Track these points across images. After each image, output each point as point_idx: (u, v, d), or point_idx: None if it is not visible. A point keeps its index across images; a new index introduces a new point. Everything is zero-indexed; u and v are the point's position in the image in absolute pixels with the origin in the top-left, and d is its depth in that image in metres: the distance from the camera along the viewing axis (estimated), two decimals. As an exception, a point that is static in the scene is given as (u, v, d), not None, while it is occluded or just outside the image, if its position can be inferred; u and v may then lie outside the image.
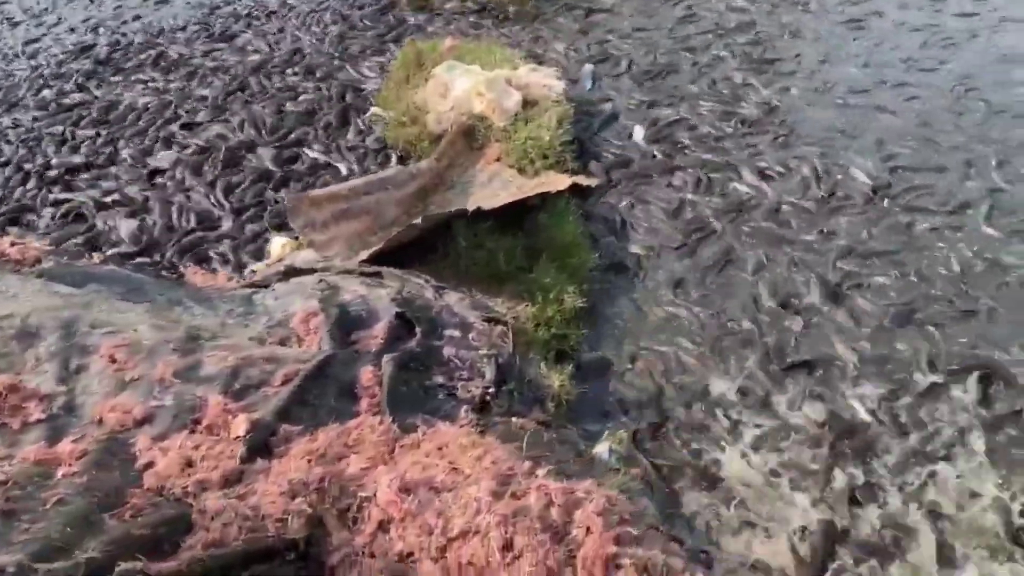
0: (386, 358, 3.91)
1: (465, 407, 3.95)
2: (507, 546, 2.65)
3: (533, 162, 6.73)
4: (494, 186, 6.59)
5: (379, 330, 4.32)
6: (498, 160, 6.90)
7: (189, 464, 3.02)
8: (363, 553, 2.68)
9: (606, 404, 5.03)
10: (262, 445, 3.15)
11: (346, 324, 4.38)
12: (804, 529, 4.16)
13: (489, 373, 4.61)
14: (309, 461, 2.99)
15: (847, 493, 4.30)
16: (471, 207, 5.42)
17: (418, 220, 5.00)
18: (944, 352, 5.00)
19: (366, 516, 2.79)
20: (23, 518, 2.67)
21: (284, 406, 3.40)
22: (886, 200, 6.27)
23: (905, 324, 5.23)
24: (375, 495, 2.85)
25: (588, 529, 2.77)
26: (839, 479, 4.38)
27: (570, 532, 2.78)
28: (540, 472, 3.09)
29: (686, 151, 7.06)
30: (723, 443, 4.67)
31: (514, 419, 4.33)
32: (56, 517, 2.65)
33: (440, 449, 3.17)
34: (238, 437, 3.12)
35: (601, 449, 4.79)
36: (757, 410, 4.82)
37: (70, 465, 2.99)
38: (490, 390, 4.44)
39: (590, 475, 4.32)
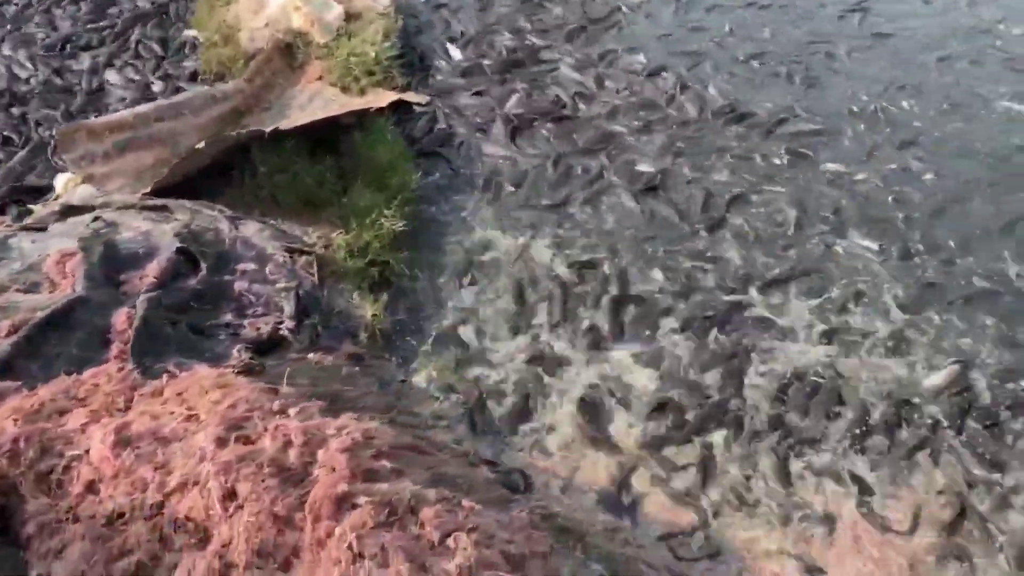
0: (140, 298, 3.50)
1: (239, 347, 3.59)
2: (229, 495, 2.36)
3: (358, 80, 6.26)
4: (315, 106, 6.10)
5: (151, 269, 3.89)
6: (320, 79, 6.39)
7: None
8: (67, 519, 2.36)
9: (427, 331, 4.77)
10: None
11: (115, 264, 3.93)
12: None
13: (288, 307, 4.27)
14: (15, 420, 2.60)
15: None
16: (268, 128, 4.95)
17: (202, 145, 4.51)
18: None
19: (74, 477, 2.45)
20: None
21: (5, 359, 2.97)
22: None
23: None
24: (87, 452, 2.50)
25: (333, 469, 2.51)
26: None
27: (312, 474, 2.51)
28: (292, 411, 2.79)
29: (514, 65, 6.76)
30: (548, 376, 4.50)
31: (311, 355, 4.04)
32: None
33: (180, 395, 2.83)
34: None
35: (419, 379, 4.58)
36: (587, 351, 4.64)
37: None
38: (283, 325, 4.12)
39: (399, 407, 4.20)
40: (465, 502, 2.73)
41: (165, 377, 3.00)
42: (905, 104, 6.29)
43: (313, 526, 2.30)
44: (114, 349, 3.24)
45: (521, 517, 2.85)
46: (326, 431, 2.66)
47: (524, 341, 4.64)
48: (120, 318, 3.40)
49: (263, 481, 2.39)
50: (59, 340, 3.22)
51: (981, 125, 6.11)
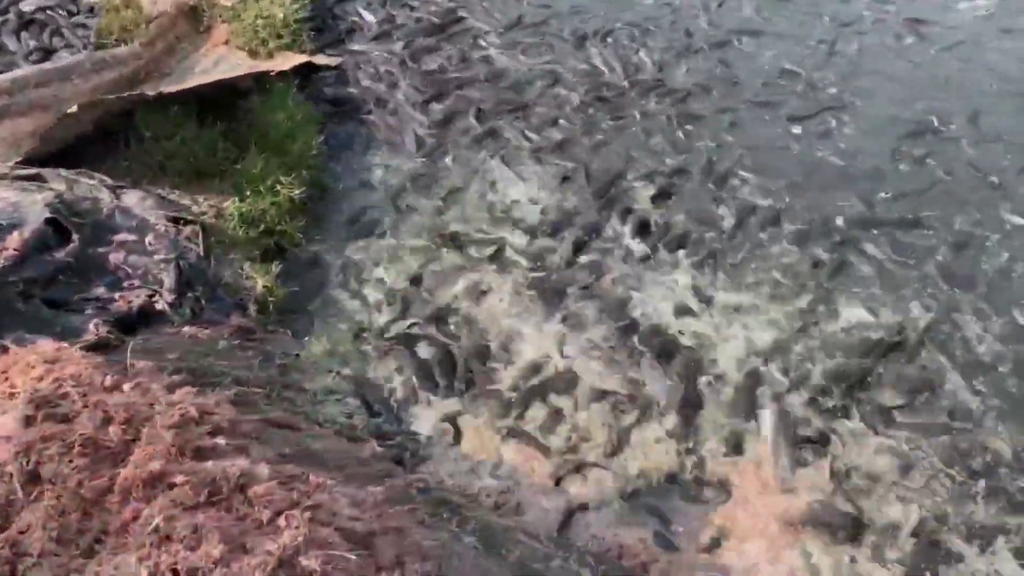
0: (-18, 272, 3.28)
1: (96, 321, 3.38)
2: (33, 478, 2.18)
3: (265, 43, 6.00)
4: (219, 71, 5.83)
5: (11, 241, 3.65)
6: (226, 43, 6.11)
7: None
8: None
9: (325, 302, 4.59)
10: None
11: (-30, 237, 3.68)
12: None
13: (168, 280, 4.05)
14: None
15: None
16: (151, 93, 4.70)
17: (73, 109, 4.25)
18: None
19: None
20: None
21: None
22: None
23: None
24: None
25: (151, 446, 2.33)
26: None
27: (133, 452, 2.34)
28: (127, 387, 2.60)
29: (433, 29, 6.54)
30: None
31: (185, 329, 3.84)
32: None
33: (3, 372, 2.63)
34: None
35: (315, 351, 4.40)
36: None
37: None
38: (158, 298, 3.91)
39: (285, 381, 4.03)
40: (314, 478, 2.58)
41: (-6, 355, 2.79)
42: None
43: (120, 508, 2.13)
44: (-52, 326, 3.02)
45: (376, 492, 2.70)
46: (155, 407, 2.47)
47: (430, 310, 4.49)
48: (-37, 293, 3.18)
49: (71, 462, 2.21)
50: None
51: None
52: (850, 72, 6.06)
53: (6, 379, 2.62)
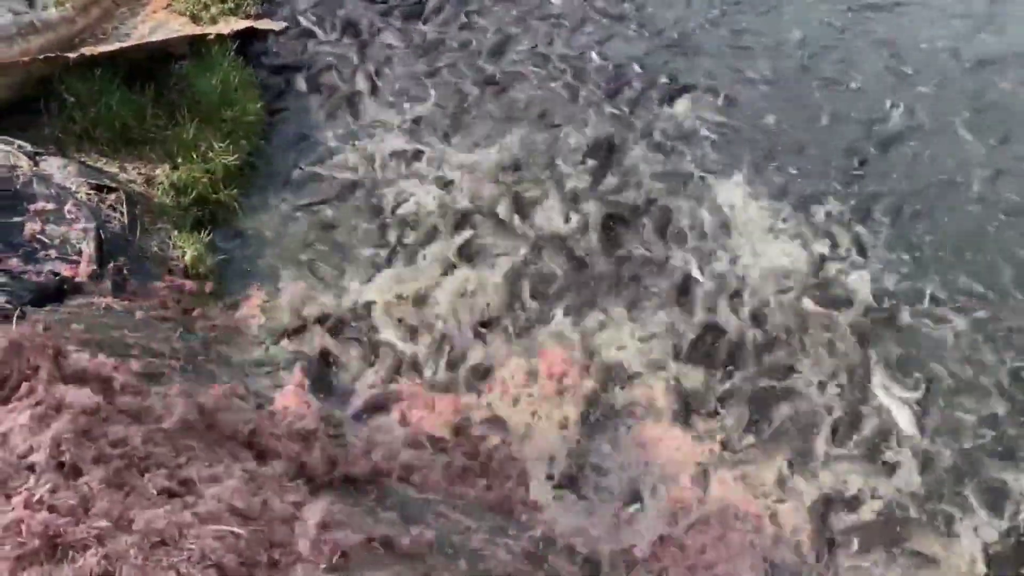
0: None
1: (13, 293, 3.22)
2: None
3: (207, 7, 5.77)
4: (157, 38, 5.61)
5: (-90, 211, 3.47)
6: (167, 6, 5.88)
7: None
8: None
9: (259, 272, 4.43)
10: None
11: None
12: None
13: (87, 250, 3.88)
14: None
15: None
16: (72, 55, 4.49)
17: (-16, 71, 4.05)
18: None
19: None
20: None
21: None
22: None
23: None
24: None
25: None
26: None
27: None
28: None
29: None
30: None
31: (99, 300, 3.67)
32: None
33: None
34: None
35: (250, 323, 4.25)
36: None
37: None
38: (76, 269, 3.74)
39: (208, 355, 3.87)
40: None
41: None
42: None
43: None
44: None
45: (274, 467, 2.57)
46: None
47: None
48: None
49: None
50: None
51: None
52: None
53: None
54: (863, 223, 4.56)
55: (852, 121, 5.14)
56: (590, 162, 4.88)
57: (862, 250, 4.43)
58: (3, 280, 3.50)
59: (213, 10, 5.79)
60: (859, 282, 4.28)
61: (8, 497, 1.94)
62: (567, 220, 4.58)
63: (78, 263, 3.79)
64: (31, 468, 2.03)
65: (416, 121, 5.15)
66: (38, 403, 2.16)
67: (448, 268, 4.35)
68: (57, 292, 3.61)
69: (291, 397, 3.59)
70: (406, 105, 5.27)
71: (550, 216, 4.61)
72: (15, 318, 3.16)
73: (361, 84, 5.40)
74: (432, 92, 5.35)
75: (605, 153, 4.92)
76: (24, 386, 2.26)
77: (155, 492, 2.16)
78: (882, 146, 4.98)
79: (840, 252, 4.43)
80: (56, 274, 3.67)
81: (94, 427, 2.19)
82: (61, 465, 2.06)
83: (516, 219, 4.58)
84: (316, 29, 5.89)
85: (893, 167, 4.87)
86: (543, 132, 5.08)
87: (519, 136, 5.05)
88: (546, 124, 5.14)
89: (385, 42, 5.74)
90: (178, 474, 2.28)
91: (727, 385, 3.88)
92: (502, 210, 4.62)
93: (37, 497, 1.94)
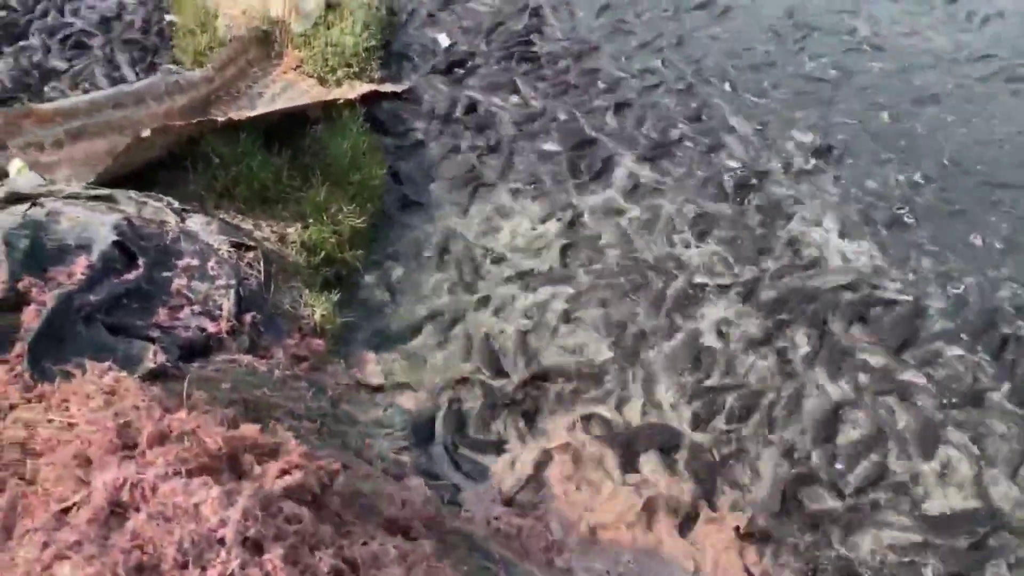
0: (49, 295, 3.31)
1: (155, 349, 3.39)
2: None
3: (334, 71, 6.09)
4: (287, 97, 5.92)
5: (79, 264, 3.70)
6: (296, 68, 6.21)
7: None
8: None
9: (380, 334, 4.57)
10: None
11: (42, 258, 3.74)
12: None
13: (227, 306, 4.07)
14: None
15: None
16: (221, 118, 4.76)
17: (147, 133, 4.32)
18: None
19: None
20: None
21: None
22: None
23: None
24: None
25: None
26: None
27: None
28: (181, 416, 2.58)
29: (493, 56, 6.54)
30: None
31: (242, 358, 3.84)
32: None
33: (64, 402, 2.65)
34: None
35: (367, 383, 4.38)
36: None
37: None
38: (218, 325, 3.92)
39: (335, 413, 4.00)
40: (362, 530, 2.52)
41: (57, 381, 2.81)
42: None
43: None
44: (17, 348, 3.05)
45: (425, 546, 2.63)
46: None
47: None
48: (30, 315, 3.22)
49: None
50: (-42, 339, 3.03)
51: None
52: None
53: (66, 409, 2.64)
54: None
55: None
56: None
57: None
58: (157, 334, 3.70)
59: (339, 73, 6.08)
60: None
61: (203, 569, 2.04)
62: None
63: (219, 319, 3.97)
64: (221, 541, 2.13)
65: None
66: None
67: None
68: (203, 348, 3.80)
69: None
70: (524, 186, 5.43)
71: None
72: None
73: (486, 166, 5.59)
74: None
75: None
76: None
77: (326, 571, 2.24)
78: None
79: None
80: (202, 330, 3.85)
81: (272, 503, 2.29)
82: (246, 540, 2.16)
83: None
84: (435, 98, 6.12)
85: None
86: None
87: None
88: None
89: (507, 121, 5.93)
90: (342, 553, 2.37)
91: None
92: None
93: (229, 571, 2.04)
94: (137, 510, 2.16)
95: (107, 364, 3.00)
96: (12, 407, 2.68)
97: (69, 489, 2.24)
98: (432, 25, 6.94)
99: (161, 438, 2.41)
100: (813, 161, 5.71)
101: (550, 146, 5.70)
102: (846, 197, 5.46)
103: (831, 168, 5.71)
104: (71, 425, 2.53)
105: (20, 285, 3.41)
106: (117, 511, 2.20)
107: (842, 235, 5.16)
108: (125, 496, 2.20)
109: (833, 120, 6.13)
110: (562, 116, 5.96)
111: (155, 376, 3.21)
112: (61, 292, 3.33)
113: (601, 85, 6.33)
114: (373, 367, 4.39)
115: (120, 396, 2.63)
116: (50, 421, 2.54)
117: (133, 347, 3.45)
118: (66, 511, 2.20)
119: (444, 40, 6.64)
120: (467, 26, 6.91)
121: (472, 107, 6.03)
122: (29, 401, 2.69)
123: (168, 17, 6.86)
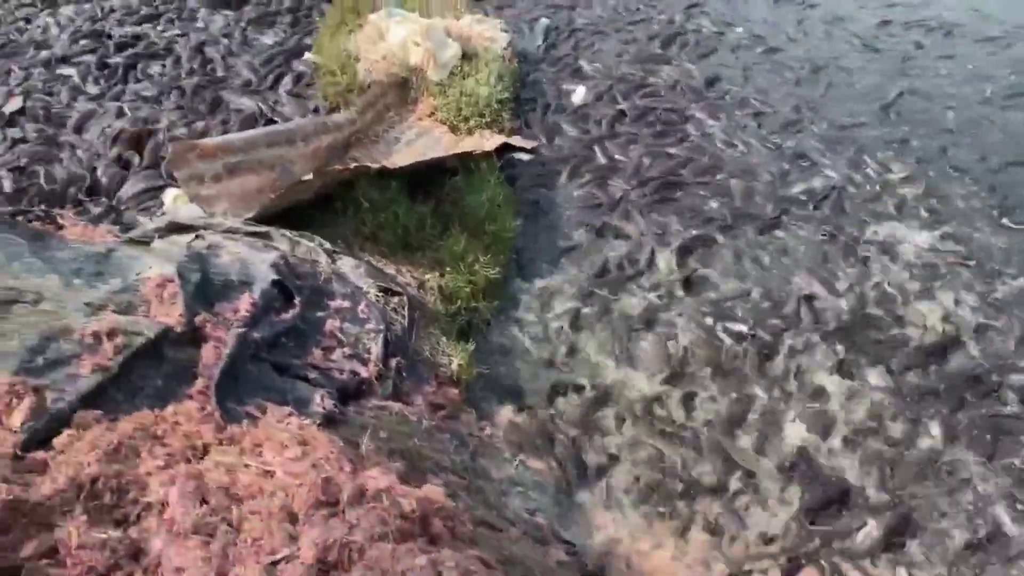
0: (231, 334, 3.44)
1: (322, 392, 3.48)
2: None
3: (467, 120, 6.24)
4: (421, 143, 6.09)
5: (244, 302, 3.84)
6: (430, 116, 6.39)
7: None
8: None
9: (512, 384, 4.60)
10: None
11: (209, 293, 3.90)
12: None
13: (375, 350, 4.16)
14: (94, 457, 2.54)
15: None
16: (375, 165, 4.92)
17: (309, 176, 4.49)
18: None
19: (144, 527, 2.35)
20: None
21: (95, 388, 2.93)
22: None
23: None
24: (162, 504, 2.41)
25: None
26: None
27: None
28: (374, 474, 2.64)
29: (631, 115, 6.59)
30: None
31: (392, 404, 3.91)
32: None
33: (257, 447, 2.73)
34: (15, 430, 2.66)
35: (498, 436, 4.40)
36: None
37: None
38: (370, 370, 4.01)
39: (474, 467, 4.03)
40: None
41: (244, 423, 2.91)
42: None
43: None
44: (198, 384, 3.17)
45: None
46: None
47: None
48: (208, 352, 3.34)
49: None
50: (147, 370, 3.17)
51: None
52: None
53: (259, 454, 2.72)
54: None
55: None
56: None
57: None
58: (314, 375, 3.80)
59: (472, 123, 6.23)
60: None
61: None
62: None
63: (368, 362, 4.06)
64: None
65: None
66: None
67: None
68: (355, 391, 3.88)
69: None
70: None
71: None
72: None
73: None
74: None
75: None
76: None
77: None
78: None
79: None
80: (355, 373, 3.94)
81: (469, 573, 2.32)
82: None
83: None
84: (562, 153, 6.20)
85: None
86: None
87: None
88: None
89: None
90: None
91: None
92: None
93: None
94: (346, 571, 2.21)
95: (288, 409, 3.11)
96: (206, 447, 2.78)
97: (277, 541, 2.30)
98: (570, 77, 7.04)
99: (360, 496, 2.46)
100: None
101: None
102: None
103: None
104: (267, 472, 2.60)
105: (197, 320, 3.54)
106: (322, 570, 2.26)
107: None
108: (333, 556, 2.25)
109: None
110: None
111: (327, 422, 3.28)
112: (240, 332, 3.45)
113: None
114: (505, 420, 4.42)
115: (312, 447, 2.70)
116: (247, 466, 2.62)
117: (298, 389, 3.54)
118: (274, 562, 2.26)
119: (580, 95, 6.73)
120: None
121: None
122: (221, 443, 2.77)
123: (308, 56, 7.14)
